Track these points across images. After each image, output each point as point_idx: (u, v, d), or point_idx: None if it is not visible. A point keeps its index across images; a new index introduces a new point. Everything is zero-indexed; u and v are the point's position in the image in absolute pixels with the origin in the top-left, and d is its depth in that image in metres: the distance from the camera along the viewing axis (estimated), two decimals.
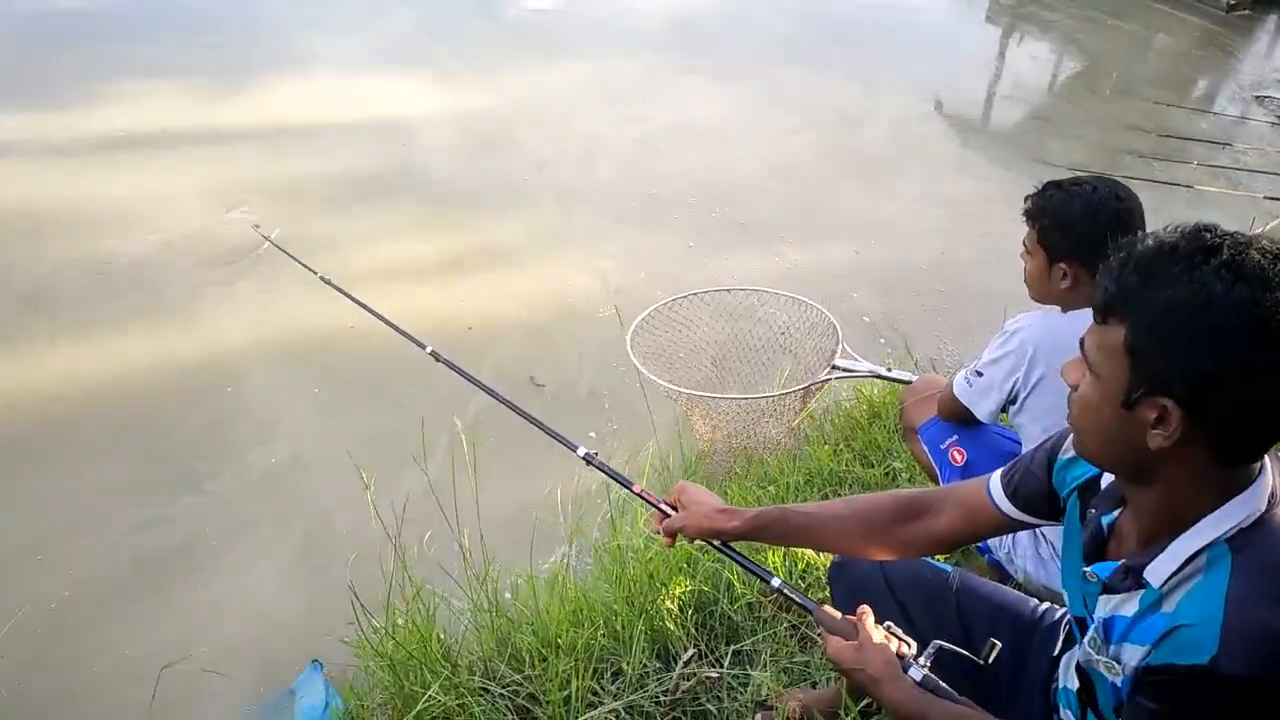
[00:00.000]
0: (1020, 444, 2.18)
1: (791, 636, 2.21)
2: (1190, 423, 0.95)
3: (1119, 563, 1.10)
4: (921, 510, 1.42)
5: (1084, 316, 1.90)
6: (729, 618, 2.24)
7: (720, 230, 5.23)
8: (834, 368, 2.87)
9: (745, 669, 2.09)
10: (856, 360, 2.90)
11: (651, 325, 3.18)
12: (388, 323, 2.32)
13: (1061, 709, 1.30)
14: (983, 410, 2.11)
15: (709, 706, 2.03)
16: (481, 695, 1.98)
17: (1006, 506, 1.34)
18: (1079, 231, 1.88)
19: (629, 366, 3.25)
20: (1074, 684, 1.26)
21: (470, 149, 5.94)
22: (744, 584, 2.28)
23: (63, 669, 2.57)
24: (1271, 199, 4.77)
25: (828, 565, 1.85)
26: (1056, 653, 1.43)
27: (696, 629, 2.21)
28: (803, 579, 2.38)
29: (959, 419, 2.24)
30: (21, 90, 6.16)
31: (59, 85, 6.23)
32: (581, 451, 1.79)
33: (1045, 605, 1.57)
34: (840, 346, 2.93)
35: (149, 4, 7.83)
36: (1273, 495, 1.00)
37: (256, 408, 3.65)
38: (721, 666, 2.11)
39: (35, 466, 3.31)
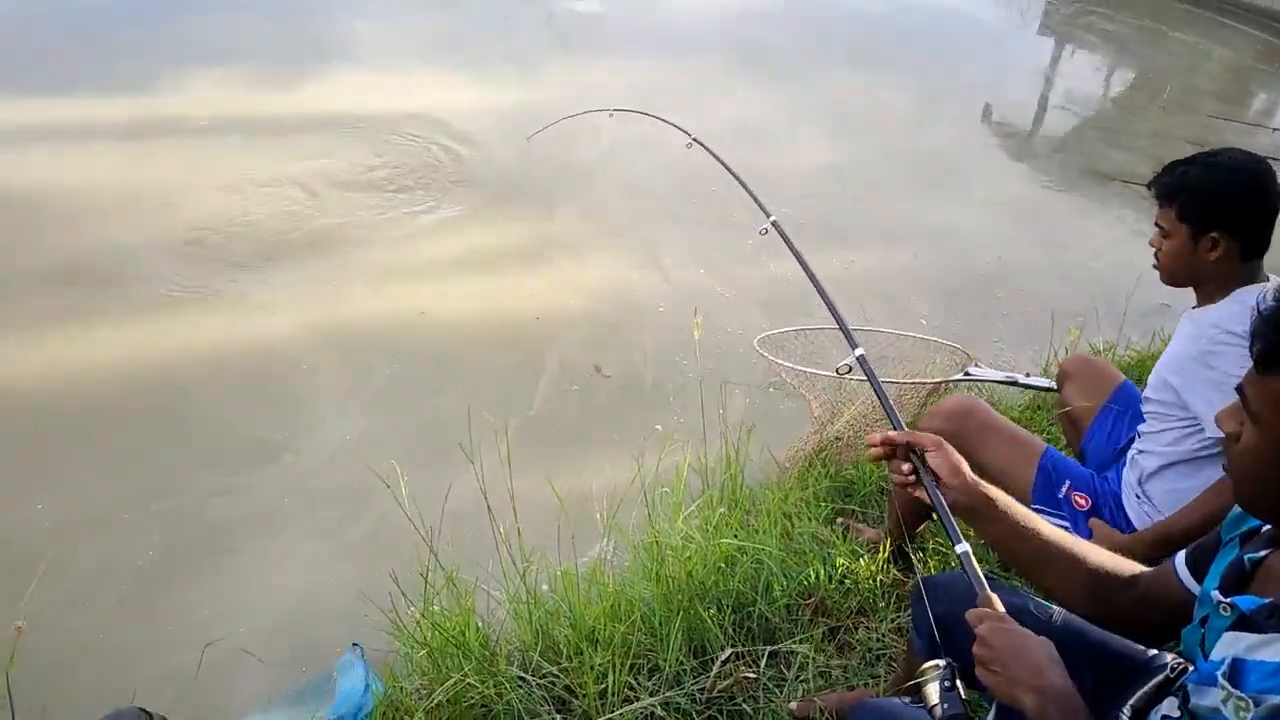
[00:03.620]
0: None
1: (828, 641, 2.20)
2: None
3: (1267, 600, 1.03)
4: (1137, 582, 1.34)
5: (1229, 308, 1.85)
6: (767, 619, 2.23)
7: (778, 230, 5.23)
8: (967, 373, 2.85)
9: (781, 670, 2.08)
10: (989, 370, 2.88)
11: (774, 340, 3.22)
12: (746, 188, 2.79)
13: None
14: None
15: (745, 707, 2.03)
16: (519, 685, 2.00)
17: (1189, 579, 1.27)
18: (1227, 197, 1.88)
19: (691, 361, 3.25)
20: (1175, 712, 1.17)
21: (523, 146, 5.96)
22: (782, 588, 2.27)
23: (124, 633, 2.63)
24: None
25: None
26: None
27: (734, 629, 2.20)
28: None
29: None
30: (80, 76, 6.30)
31: (110, 69, 6.37)
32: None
33: (1154, 651, 1.46)
34: (973, 361, 2.91)
35: None
36: None
37: (324, 389, 3.71)
38: (758, 668, 2.10)
39: (117, 433, 3.39)
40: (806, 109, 7.05)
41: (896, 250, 5.19)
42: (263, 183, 5.16)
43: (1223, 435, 1.07)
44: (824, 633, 2.21)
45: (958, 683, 1.17)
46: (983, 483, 1.37)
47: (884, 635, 2.21)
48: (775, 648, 2.15)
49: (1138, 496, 2.06)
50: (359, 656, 2.16)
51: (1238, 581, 1.12)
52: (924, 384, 2.95)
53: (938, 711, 1.15)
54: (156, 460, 3.27)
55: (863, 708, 1.53)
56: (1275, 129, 7.48)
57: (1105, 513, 2.08)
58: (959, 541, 1.31)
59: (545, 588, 2.30)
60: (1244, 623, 1.04)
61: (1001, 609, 1.21)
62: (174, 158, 5.39)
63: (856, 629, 2.25)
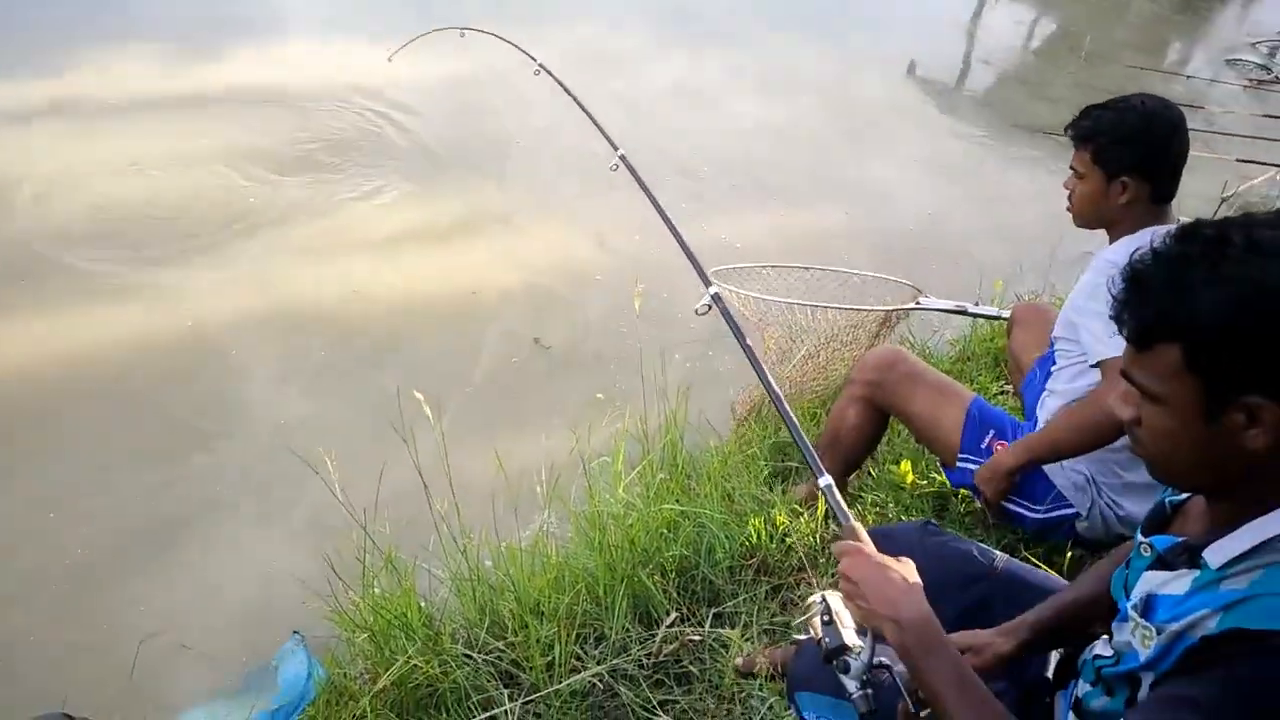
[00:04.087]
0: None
1: (771, 598, 2.23)
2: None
3: (1179, 539, 1.06)
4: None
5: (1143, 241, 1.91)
6: (710, 581, 2.25)
7: (713, 192, 5.25)
8: (918, 303, 2.87)
9: (726, 630, 2.11)
10: (939, 301, 2.92)
11: (729, 279, 3.18)
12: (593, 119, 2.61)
13: (1082, 680, 1.25)
14: (1118, 344, 2.02)
15: (692, 668, 2.05)
16: (465, 662, 1.99)
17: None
18: (1140, 142, 1.93)
19: (632, 329, 3.23)
20: (1107, 651, 1.19)
21: (456, 116, 5.88)
22: (724, 550, 2.29)
23: (56, 633, 2.56)
24: (1243, 161, 4.80)
25: None
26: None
27: (679, 593, 2.22)
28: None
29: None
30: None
31: (8, 47, 6.08)
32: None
33: None
34: (923, 293, 2.99)
35: None
36: None
37: (256, 375, 3.62)
38: (703, 629, 2.12)
39: (40, 431, 3.28)
40: (737, 71, 7.02)
41: (829, 209, 5.23)
42: (182, 163, 4.98)
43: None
44: (767, 591, 2.24)
45: (836, 614, 1.20)
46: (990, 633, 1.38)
47: (825, 590, 2.25)
48: (720, 609, 2.18)
49: None
50: (300, 644, 2.13)
51: (1159, 523, 1.16)
52: (875, 310, 2.96)
53: (824, 645, 1.19)
54: (84, 456, 3.17)
55: (803, 654, 1.56)
56: (1190, 76, 7.67)
57: None
58: (821, 475, 1.35)
59: (489, 563, 2.29)
60: (1160, 562, 1.08)
61: (865, 539, 1.25)
62: (86, 141, 5.16)
63: (798, 585, 2.28)
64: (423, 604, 2.12)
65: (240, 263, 4.25)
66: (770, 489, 2.60)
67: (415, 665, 1.91)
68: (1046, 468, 2.08)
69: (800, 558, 2.33)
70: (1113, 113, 1.96)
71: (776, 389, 1.55)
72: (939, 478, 2.46)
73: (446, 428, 3.31)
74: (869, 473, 2.64)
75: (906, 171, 5.74)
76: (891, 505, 2.46)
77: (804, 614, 1.22)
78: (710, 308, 1.74)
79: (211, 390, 3.54)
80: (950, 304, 2.85)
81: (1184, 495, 1.15)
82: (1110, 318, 1.02)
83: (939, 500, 2.47)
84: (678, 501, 2.42)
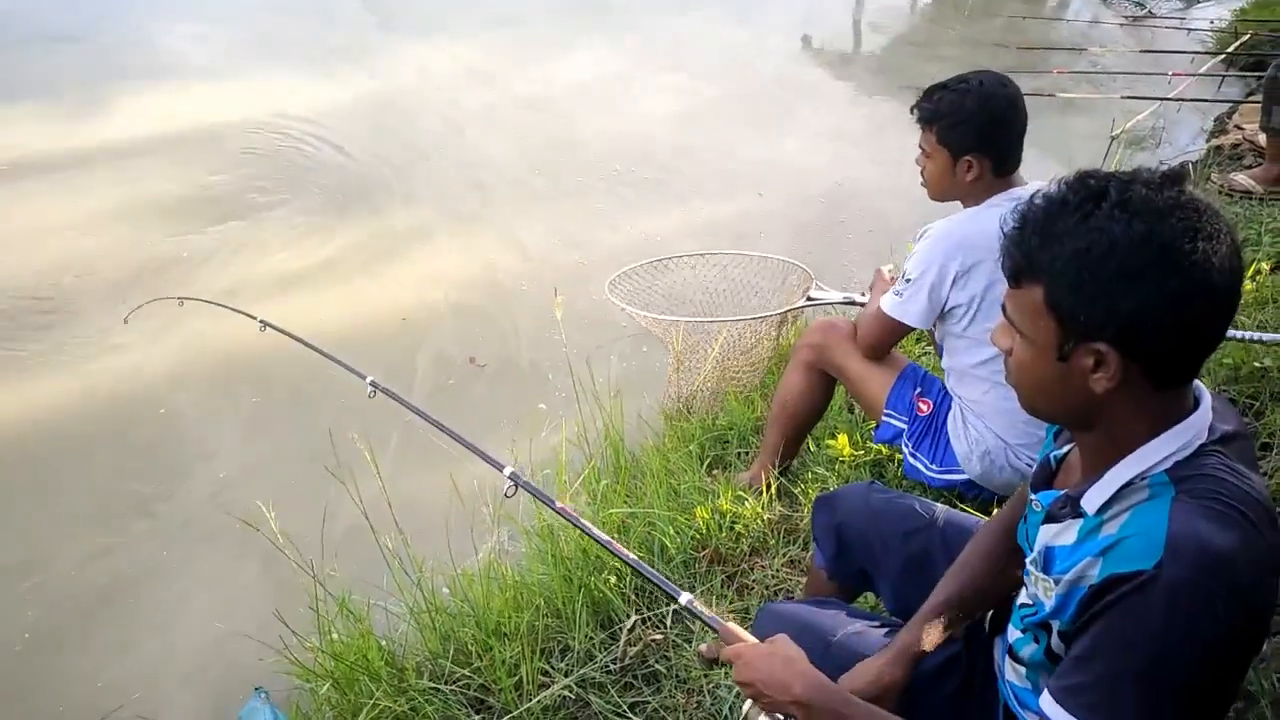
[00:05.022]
0: None
1: (727, 586, 2.27)
2: (1126, 359, 0.98)
3: (1060, 492, 1.13)
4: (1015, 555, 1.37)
5: (988, 213, 1.98)
6: (666, 578, 2.28)
7: (627, 189, 5.27)
8: (809, 298, 2.94)
9: (687, 625, 2.14)
10: (828, 291, 2.98)
11: (626, 283, 3.23)
12: (330, 357, 2.26)
13: (1011, 625, 1.31)
14: (914, 313, 2.13)
15: (658, 667, 2.07)
16: (433, 695, 1.99)
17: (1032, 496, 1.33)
18: (978, 123, 2.01)
19: (566, 335, 3.23)
20: (1029, 600, 1.24)
21: (361, 139, 5.79)
22: (676, 545, 2.32)
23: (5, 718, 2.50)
24: (1128, 97, 4.99)
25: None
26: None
27: (636, 594, 2.24)
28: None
29: (882, 345, 2.30)
30: None
31: None
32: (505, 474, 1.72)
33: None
34: (814, 283, 3.01)
35: None
36: (1211, 429, 1.04)
37: (187, 431, 3.55)
38: (664, 627, 2.15)
39: None
40: (638, 60, 7.07)
41: (740, 191, 5.30)
42: (83, 221, 4.84)
43: None
44: (722, 580, 2.28)
45: None
46: (880, 656, 1.39)
47: (778, 570, 2.30)
48: (677, 604, 2.20)
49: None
50: (264, 701, 2.11)
51: (1044, 479, 1.22)
52: (768, 316, 3.04)
53: None
54: (18, 532, 3.08)
55: (764, 612, 1.61)
56: (1070, 20, 7.93)
57: (940, 418, 2.22)
58: (679, 594, 1.40)
59: (445, 591, 2.29)
60: (1049, 517, 1.14)
61: (743, 634, 1.28)
62: None
63: (752, 570, 2.32)
64: (384, 643, 2.12)
65: (157, 316, 4.14)
66: (713, 479, 2.64)
67: (383, 707, 1.90)
68: (950, 432, 2.18)
69: (752, 543, 2.37)
70: (953, 94, 2.04)
71: (589, 527, 1.58)
72: (875, 446, 2.53)
73: (391, 459, 3.32)
74: (809, 449, 2.70)
75: (813, 144, 5.84)
76: (832, 479, 2.52)
77: None
78: (515, 488, 1.71)
79: (145, 450, 3.45)
80: (839, 295, 2.93)
81: (1065, 449, 1.21)
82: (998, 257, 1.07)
83: (875, 468, 2.54)
84: (625, 503, 2.45)
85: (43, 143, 5.62)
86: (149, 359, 3.89)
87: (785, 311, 3.03)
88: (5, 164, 5.38)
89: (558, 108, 6.29)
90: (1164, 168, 1.03)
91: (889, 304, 2.18)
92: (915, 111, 2.11)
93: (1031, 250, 1.01)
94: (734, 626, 1.30)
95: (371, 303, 4.34)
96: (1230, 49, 6.02)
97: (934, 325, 2.18)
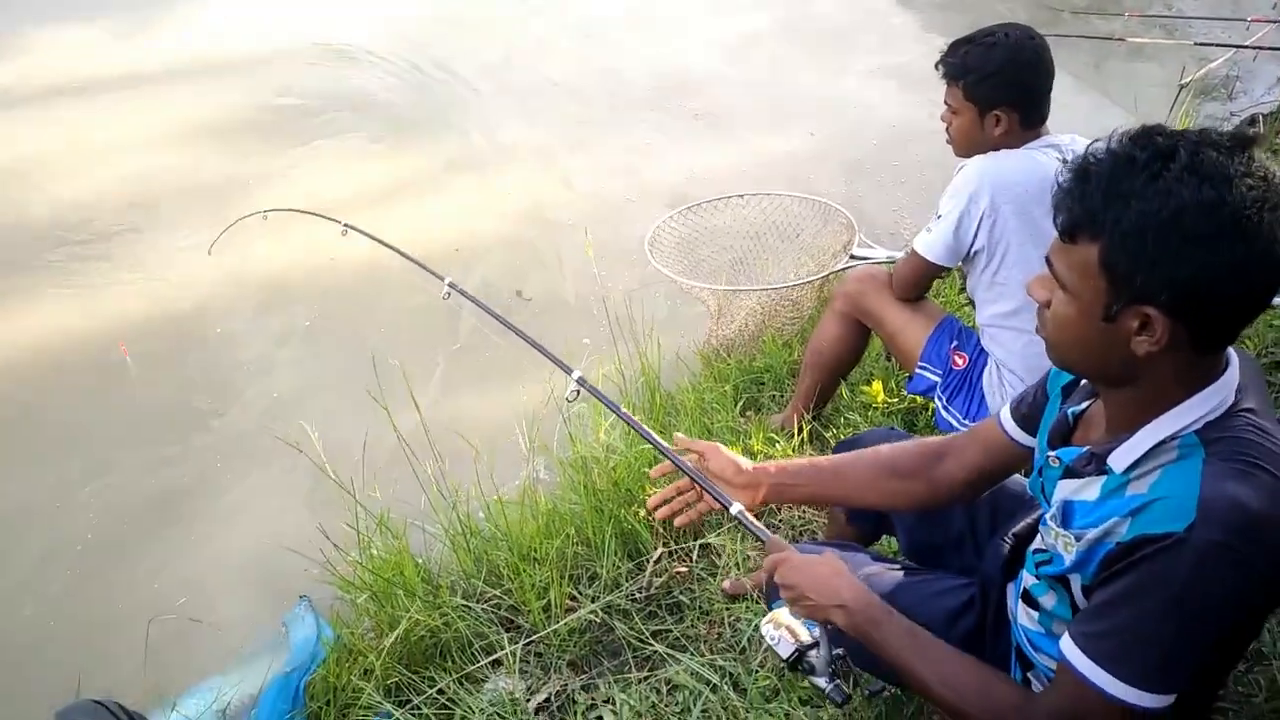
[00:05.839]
0: None
1: None
2: (1174, 325, 0.98)
3: (1084, 449, 1.14)
4: (946, 452, 1.45)
5: (1024, 155, 1.95)
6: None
7: (677, 122, 5.22)
8: (852, 256, 2.93)
9: (713, 560, 2.20)
10: (874, 248, 2.95)
11: (667, 232, 3.25)
12: (409, 258, 2.38)
13: (1025, 571, 1.34)
14: (940, 251, 2.13)
15: (682, 598, 2.14)
16: (465, 612, 2.08)
17: (1016, 433, 1.37)
18: (1008, 76, 2.00)
19: (613, 270, 3.25)
20: (1044, 547, 1.27)
21: (411, 65, 5.80)
22: None
23: (69, 617, 2.65)
24: (1201, 44, 4.78)
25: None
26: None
27: (664, 528, 2.30)
28: None
29: (914, 286, 2.30)
30: None
31: None
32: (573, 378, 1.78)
33: None
34: (857, 236, 2.98)
35: None
36: (1239, 388, 1.04)
37: (245, 349, 3.66)
38: (690, 561, 2.22)
39: (37, 420, 3.35)
40: None
41: (793, 128, 5.21)
42: (142, 143, 4.95)
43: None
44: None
45: (786, 627, 1.31)
46: (764, 466, 1.47)
47: (805, 511, 2.34)
48: (704, 540, 2.27)
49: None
50: (308, 608, 2.22)
51: (1062, 435, 1.23)
52: (809, 282, 3.02)
53: (788, 657, 1.29)
54: (84, 442, 3.24)
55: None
56: None
57: (975, 372, 2.22)
58: (730, 505, 1.42)
59: (480, 516, 2.38)
60: (1069, 472, 1.16)
61: (787, 546, 1.34)
62: (44, 130, 5.10)
63: (780, 510, 2.37)
64: (420, 561, 2.21)
65: (214, 238, 4.25)
66: (746, 420, 2.68)
67: (417, 620, 2.00)
68: (985, 388, 2.18)
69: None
70: (980, 48, 2.01)
71: (649, 433, 1.61)
72: (910, 395, 2.54)
73: (437, 387, 3.41)
74: (842, 396, 2.71)
75: (868, 84, 5.69)
76: (864, 425, 2.54)
77: (762, 647, 1.30)
78: (578, 393, 1.76)
79: (204, 368, 3.58)
80: (883, 254, 2.88)
81: (1084, 405, 1.21)
82: (1053, 204, 1.05)
83: (908, 416, 2.56)
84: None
85: (108, 61, 5.73)
86: (209, 281, 4.00)
87: (826, 275, 3.00)
88: (78, 81, 5.50)
89: (603, 38, 6.23)
90: (1232, 128, 1.01)
91: (919, 241, 2.19)
92: (940, 67, 2.08)
93: (1094, 207, 0.99)
94: (780, 539, 1.37)
95: (424, 233, 4.38)
96: None
97: (965, 273, 2.18)
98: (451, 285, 2.21)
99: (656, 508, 1.54)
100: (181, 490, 3.05)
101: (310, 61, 5.75)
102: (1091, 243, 1.00)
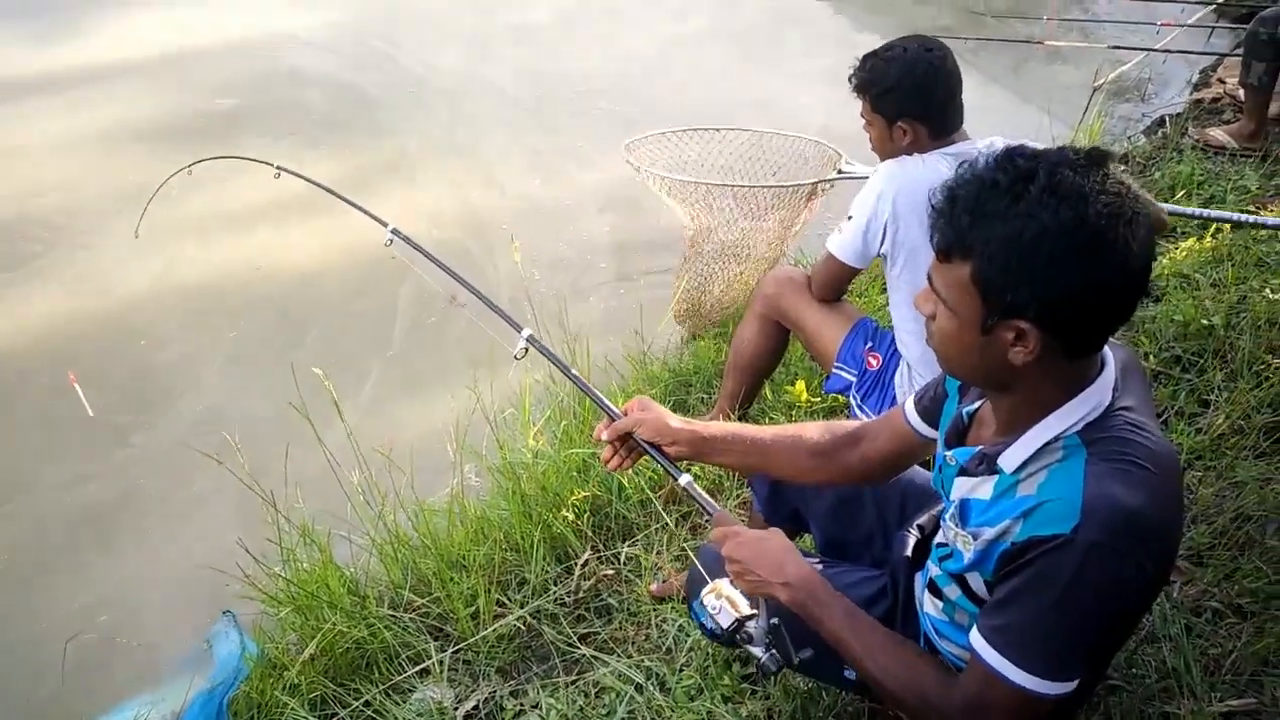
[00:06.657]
0: None
1: (681, 525, 2.35)
2: (1046, 336, 1.04)
3: (976, 449, 1.20)
4: (862, 436, 1.51)
5: (930, 162, 2.03)
6: (623, 516, 2.37)
7: (610, 126, 5.20)
8: (840, 170, 2.94)
9: (639, 562, 2.23)
10: (859, 166, 2.95)
11: (644, 148, 3.21)
12: (350, 203, 2.45)
13: (930, 562, 1.40)
14: (850, 252, 2.19)
15: (611, 600, 2.17)
16: (392, 622, 2.08)
17: (919, 424, 1.43)
18: (904, 90, 2.05)
19: (544, 274, 3.16)
20: (945, 541, 1.33)
21: (344, 65, 5.73)
22: (632, 485, 2.39)
23: None
24: (1115, 48, 4.94)
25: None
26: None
27: (593, 531, 2.33)
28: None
29: (829, 286, 2.34)
30: None
31: None
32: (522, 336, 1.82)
33: None
34: (843, 158, 2.98)
35: None
36: (1115, 388, 1.11)
37: (168, 363, 3.59)
38: (618, 563, 2.24)
39: None
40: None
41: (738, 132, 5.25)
42: (58, 147, 4.81)
43: None
44: (677, 519, 2.36)
45: (727, 598, 1.35)
46: (691, 424, 1.52)
47: (732, 511, 2.37)
48: (633, 541, 2.29)
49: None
50: (232, 624, 2.20)
51: (958, 434, 1.29)
52: (798, 185, 2.99)
53: (727, 627, 1.33)
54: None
55: (704, 550, 1.70)
56: None
57: (888, 372, 2.28)
58: (680, 475, 1.47)
59: (408, 525, 2.36)
60: (964, 471, 1.21)
61: (734, 521, 1.39)
62: None
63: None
64: (349, 572, 2.20)
65: (137, 246, 4.13)
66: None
67: (341, 631, 1.99)
68: (896, 387, 2.25)
69: (707, 485, 2.45)
70: (880, 62, 2.07)
71: (595, 393, 1.67)
72: (831, 396, 2.59)
73: (368, 396, 3.38)
74: (767, 396, 2.76)
75: (802, 85, 5.76)
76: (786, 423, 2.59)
77: (742, 635, 1.33)
78: (527, 350, 1.82)
79: (125, 382, 3.49)
80: (869, 171, 2.87)
81: (975, 405, 1.27)
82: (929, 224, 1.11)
83: (830, 415, 2.61)
84: (588, 444, 2.52)
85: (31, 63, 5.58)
86: (133, 290, 3.92)
87: (816, 183, 2.97)
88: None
89: (538, 42, 6.24)
90: (1089, 145, 1.07)
91: (832, 240, 2.24)
92: (851, 80, 2.13)
93: (962, 229, 1.05)
94: (727, 513, 1.43)
95: (354, 237, 4.33)
96: None
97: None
98: (395, 232, 2.21)
99: (611, 466, 1.59)
100: (103, 506, 2.97)
101: (238, 64, 5.65)
102: (964, 262, 1.06)
